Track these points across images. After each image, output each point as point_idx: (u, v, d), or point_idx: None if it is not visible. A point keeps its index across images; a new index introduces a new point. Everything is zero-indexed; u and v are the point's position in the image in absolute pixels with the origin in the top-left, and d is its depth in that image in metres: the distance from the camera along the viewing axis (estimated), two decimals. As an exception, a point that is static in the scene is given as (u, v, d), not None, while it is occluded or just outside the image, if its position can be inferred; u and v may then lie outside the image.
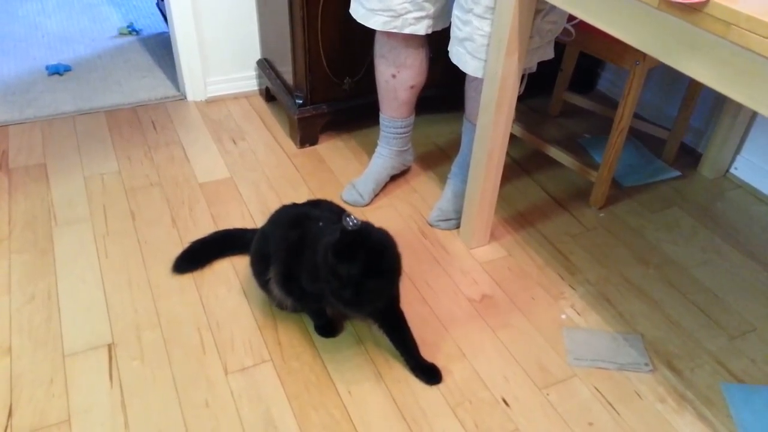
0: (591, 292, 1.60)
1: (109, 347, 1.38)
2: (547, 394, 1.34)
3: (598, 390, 1.35)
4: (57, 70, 2.43)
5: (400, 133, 1.86)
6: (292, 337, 1.44)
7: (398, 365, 1.38)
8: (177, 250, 1.63)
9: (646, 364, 1.41)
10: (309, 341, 1.43)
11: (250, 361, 1.37)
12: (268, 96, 2.35)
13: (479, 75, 1.47)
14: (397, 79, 1.72)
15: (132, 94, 2.32)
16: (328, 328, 1.45)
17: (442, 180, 1.94)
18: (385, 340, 1.42)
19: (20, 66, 2.48)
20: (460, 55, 1.48)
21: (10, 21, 2.86)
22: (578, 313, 1.54)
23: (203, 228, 1.73)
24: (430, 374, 1.36)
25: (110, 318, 1.45)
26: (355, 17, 1.62)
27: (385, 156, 1.89)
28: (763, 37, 0.85)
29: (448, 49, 1.53)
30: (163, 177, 1.92)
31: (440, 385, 1.35)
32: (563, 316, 1.53)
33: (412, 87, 1.75)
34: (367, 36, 1.72)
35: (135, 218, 1.75)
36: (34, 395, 1.28)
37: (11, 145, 2.02)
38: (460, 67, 1.51)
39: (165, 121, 2.20)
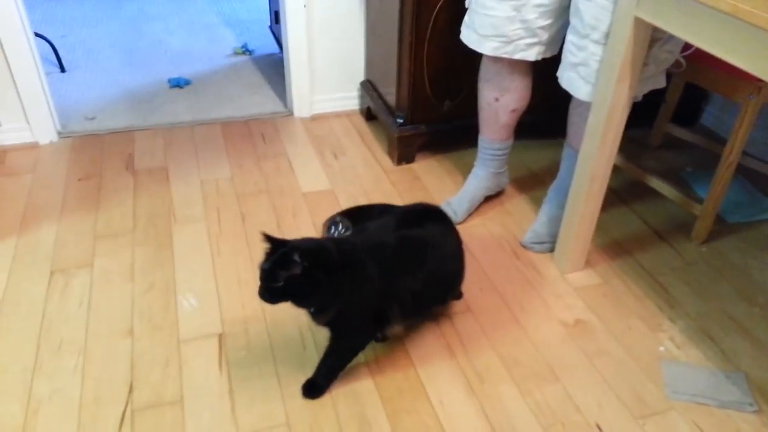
0: (691, 327, 1.56)
1: (219, 337, 1.49)
2: (643, 425, 1.32)
3: (697, 425, 1.32)
4: (178, 83, 2.64)
5: (498, 155, 1.89)
6: (386, 342, 1.49)
7: (490, 380, 1.41)
8: (281, 253, 1.73)
9: (751, 404, 1.35)
10: (403, 348, 1.48)
11: (347, 363, 1.43)
12: (368, 115, 2.45)
13: (591, 100, 1.49)
14: (500, 102, 1.77)
15: (244, 109, 2.49)
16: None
17: (536, 204, 1.96)
18: (477, 358, 1.45)
19: (145, 78, 2.71)
20: (572, 80, 1.51)
21: (138, 38, 3.14)
22: (677, 347, 1.50)
23: (305, 233, 1.82)
24: (312, 389, 1.36)
25: (221, 310, 1.56)
26: (466, 42, 1.69)
27: (480, 177, 1.93)
28: None
29: (558, 74, 1.56)
30: (271, 185, 2.05)
31: (532, 405, 1.35)
32: (661, 349, 1.50)
33: (513, 111, 1.79)
34: (470, 62, 1.79)
35: (245, 221, 1.87)
36: (152, 375, 1.39)
37: (137, 148, 2.22)
38: (572, 92, 1.54)
39: (273, 134, 2.34)
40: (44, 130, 2.20)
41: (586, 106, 1.55)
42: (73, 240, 1.77)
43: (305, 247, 1.18)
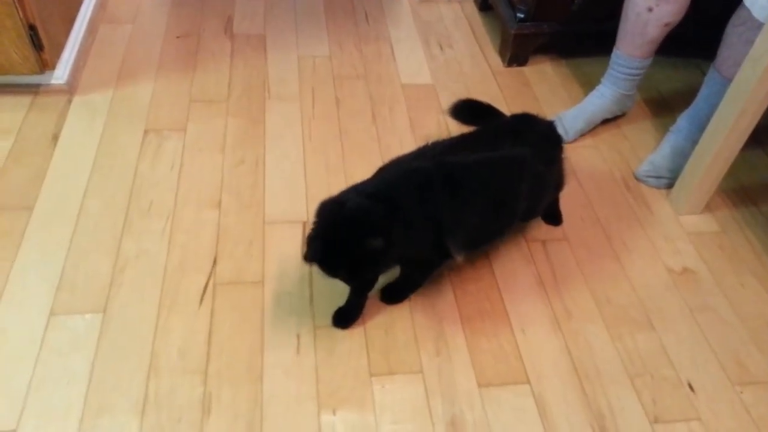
0: (816, 297, 1.40)
1: (304, 225, 1.45)
2: (741, 392, 1.22)
3: (803, 406, 1.20)
4: (283, -56, 2.46)
5: (633, 75, 1.67)
6: (470, 260, 1.41)
7: (579, 317, 1.32)
8: (373, 145, 1.65)
9: None
10: (488, 267, 1.40)
11: (429, 276, 1.37)
12: (483, 4, 2.22)
13: (768, 21, 1.25)
14: (654, 13, 1.52)
15: (350, -20, 2.30)
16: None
17: (659, 132, 1.75)
18: (568, 291, 1.36)
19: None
20: (755, -6, 1.27)
21: None
22: (795, 316, 1.36)
23: (400, 129, 1.72)
24: (346, 316, 1.27)
25: (307, 197, 1.51)
26: None
27: (606, 97, 1.72)
28: None
29: (737, -15, 1.32)
30: (369, 71, 1.92)
31: (621, 350, 1.27)
32: (776, 315, 1.36)
33: (666, 24, 1.54)
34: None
35: (339, 106, 1.78)
36: (236, 252, 1.38)
37: (237, 11, 2.11)
38: (752, 10, 1.29)
39: (377, 13, 2.17)
40: (146, -20, 2.12)
41: (751, 25, 1.32)
42: (168, 101, 1.74)
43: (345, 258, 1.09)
